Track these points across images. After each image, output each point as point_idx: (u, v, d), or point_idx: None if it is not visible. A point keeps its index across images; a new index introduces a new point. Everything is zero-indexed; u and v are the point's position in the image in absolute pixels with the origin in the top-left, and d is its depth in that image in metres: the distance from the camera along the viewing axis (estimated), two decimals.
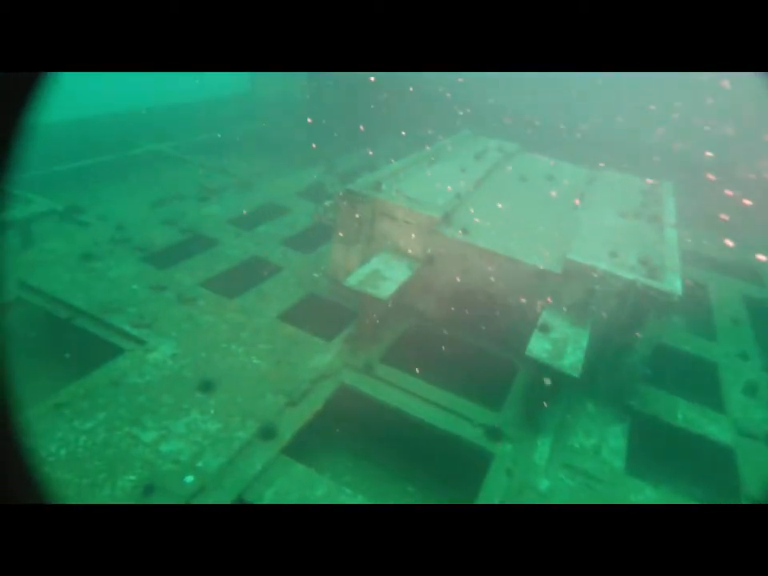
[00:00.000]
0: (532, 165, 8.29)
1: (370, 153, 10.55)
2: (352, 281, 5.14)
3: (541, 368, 4.55)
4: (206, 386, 4.53)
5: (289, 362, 5.03)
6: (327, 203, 6.13)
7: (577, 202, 7.05)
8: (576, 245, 5.49)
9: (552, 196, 7.16)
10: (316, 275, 6.56)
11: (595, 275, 5.07)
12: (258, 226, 7.59)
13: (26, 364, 5.37)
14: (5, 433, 1.08)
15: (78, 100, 13.08)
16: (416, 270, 5.61)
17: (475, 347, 5.78)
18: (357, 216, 5.70)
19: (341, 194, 5.73)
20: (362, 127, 10.69)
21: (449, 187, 6.38)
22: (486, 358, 5.72)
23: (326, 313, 6.09)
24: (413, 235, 5.71)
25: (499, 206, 6.47)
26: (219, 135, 10.97)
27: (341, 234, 5.89)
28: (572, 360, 4.54)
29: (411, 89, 11.23)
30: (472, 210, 6.20)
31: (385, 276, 5.33)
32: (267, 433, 4.17)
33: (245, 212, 7.88)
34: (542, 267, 5.28)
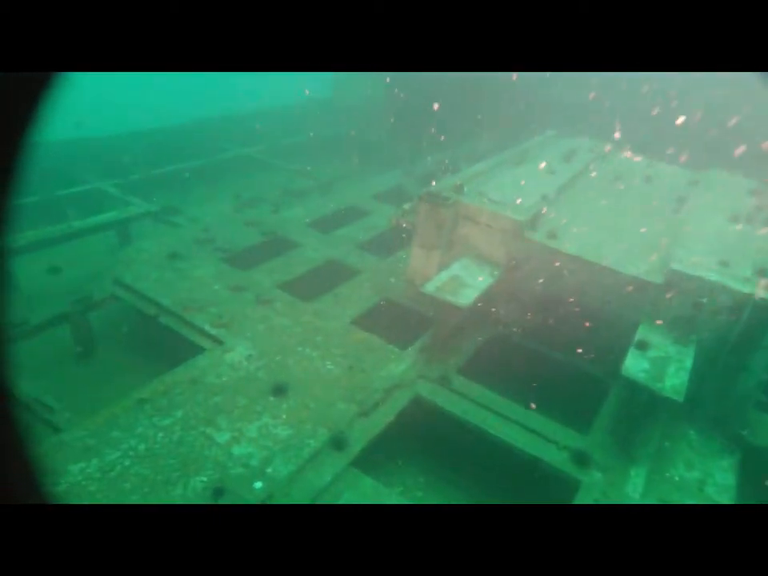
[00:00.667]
0: (627, 166, 7.68)
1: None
2: (430, 287, 4.92)
3: (637, 390, 4.10)
4: (279, 390, 4.49)
5: (362, 369, 4.90)
6: (406, 206, 5.96)
7: (679, 205, 6.41)
8: (680, 253, 4.94)
9: (651, 199, 6.56)
10: (392, 280, 6.41)
11: (703, 287, 4.52)
12: (337, 229, 7.56)
13: (117, 358, 5.63)
14: (6, 431, 1.05)
15: (172, 108, 13.87)
16: (499, 276, 5.30)
17: (562, 361, 5.37)
18: (437, 220, 5.48)
19: (421, 196, 5.53)
20: (443, 137, 10.45)
21: (535, 190, 6.00)
22: (573, 374, 5.29)
23: (401, 319, 5.91)
24: (496, 240, 5.41)
25: (591, 209, 6.00)
26: (311, 134, 11.14)
27: (420, 238, 5.69)
28: (674, 382, 4.05)
29: (498, 89, 10.84)
30: (561, 214, 5.79)
31: (465, 282, 5.07)
32: (338, 443, 4.04)
33: (324, 215, 7.90)
34: (639, 277, 4.79)
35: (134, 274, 5.90)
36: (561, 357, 5.37)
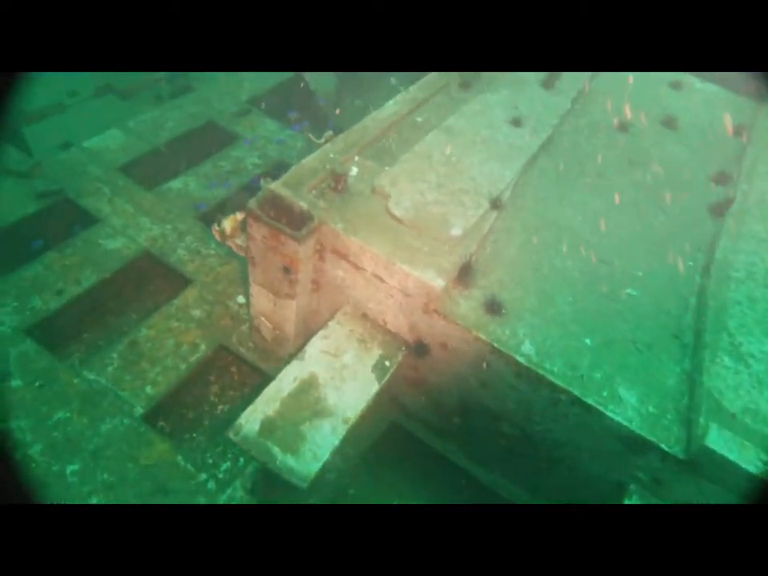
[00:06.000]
0: (641, 91, 4.80)
1: None
2: (247, 427, 2.58)
3: None
4: None
5: None
6: (226, 222, 3.18)
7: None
8: (721, 379, 2.64)
9: (675, 173, 3.97)
10: (241, 301, 3.94)
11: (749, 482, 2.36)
12: (172, 180, 4.71)
13: None
14: None
15: None
16: (393, 369, 2.96)
17: (487, 488, 3.33)
18: (283, 257, 2.89)
19: (251, 210, 2.84)
20: None
21: (480, 176, 3.35)
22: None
23: (241, 395, 3.62)
24: (394, 304, 2.94)
25: (565, 219, 3.46)
26: None
27: (260, 276, 3.13)
28: None
29: None
30: (515, 237, 3.25)
31: (320, 405, 2.71)
32: None
33: (162, 148, 4.92)
34: (639, 433, 2.55)
35: None
36: (487, 479, 3.31)
